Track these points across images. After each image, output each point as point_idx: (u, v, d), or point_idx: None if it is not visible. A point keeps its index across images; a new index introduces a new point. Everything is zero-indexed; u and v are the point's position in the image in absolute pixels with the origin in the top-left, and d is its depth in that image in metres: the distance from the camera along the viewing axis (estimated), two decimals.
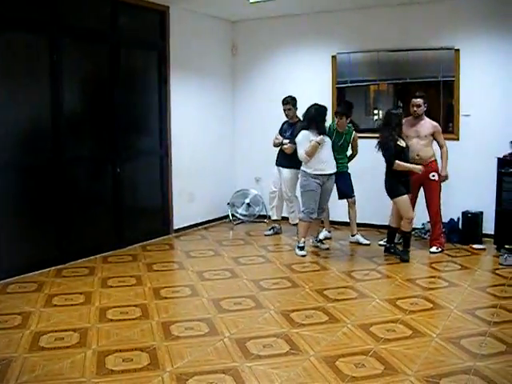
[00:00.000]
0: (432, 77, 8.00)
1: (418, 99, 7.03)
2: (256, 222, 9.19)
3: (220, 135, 9.30)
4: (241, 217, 9.27)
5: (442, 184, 7.11)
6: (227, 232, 8.71)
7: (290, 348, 4.21)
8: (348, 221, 7.76)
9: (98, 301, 5.34)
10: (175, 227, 8.41)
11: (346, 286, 5.81)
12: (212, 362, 3.97)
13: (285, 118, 8.02)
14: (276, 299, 5.38)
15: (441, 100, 7.83)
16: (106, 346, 4.25)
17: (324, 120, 7.07)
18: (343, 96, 8.64)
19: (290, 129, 7.82)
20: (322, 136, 6.87)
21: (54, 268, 6.44)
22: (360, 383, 3.62)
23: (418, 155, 7.00)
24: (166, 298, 5.46)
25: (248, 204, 9.29)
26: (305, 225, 7.10)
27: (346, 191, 7.51)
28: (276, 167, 8.08)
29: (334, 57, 8.62)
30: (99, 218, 7.15)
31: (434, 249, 7.12)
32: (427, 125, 7.06)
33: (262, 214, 9.25)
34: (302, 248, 7.10)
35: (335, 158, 7.13)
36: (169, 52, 8.09)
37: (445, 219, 7.49)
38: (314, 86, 8.66)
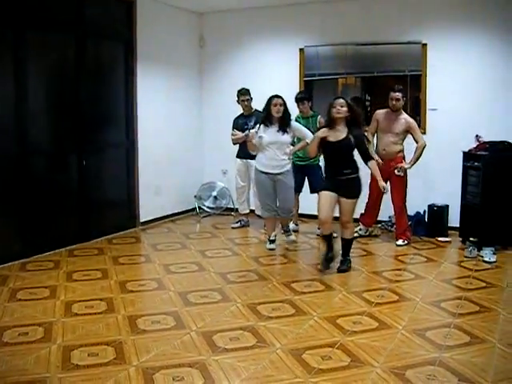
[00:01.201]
0: (399, 71, 8.07)
1: (397, 93, 7.04)
2: (223, 214, 9.17)
3: (187, 127, 9.25)
4: (208, 210, 9.24)
5: (407, 181, 7.21)
6: (194, 225, 8.68)
7: (256, 341, 4.20)
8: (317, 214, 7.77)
9: (64, 295, 5.26)
10: (142, 220, 8.35)
11: (313, 279, 5.81)
12: (179, 356, 3.94)
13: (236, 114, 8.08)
14: (243, 292, 5.37)
15: (408, 94, 7.88)
16: (72, 341, 4.19)
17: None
18: (311, 89, 8.65)
19: (248, 120, 7.83)
20: (261, 135, 6.70)
21: (18, 262, 6.33)
22: (327, 375, 3.63)
23: (384, 149, 7.09)
24: (132, 291, 5.41)
25: (215, 197, 9.27)
26: (267, 220, 7.09)
27: (316, 186, 7.49)
28: (241, 160, 8.05)
29: (301, 50, 8.64)
30: (64, 210, 7.04)
31: (400, 241, 7.19)
32: (402, 122, 7.08)
33: (229, 206, 9.24)
34: (271, 241, 7.04)
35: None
36: (135, 43, 8.01)
37: (411, 212, 7.56)
38: (283, 79, 8.66)
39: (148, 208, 8.39)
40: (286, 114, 6.69)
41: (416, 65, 7.88)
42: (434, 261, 6.54)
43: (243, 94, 7.91)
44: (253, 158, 7.57)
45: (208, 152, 9.61)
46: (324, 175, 6.33)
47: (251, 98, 7.95)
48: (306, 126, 7.27)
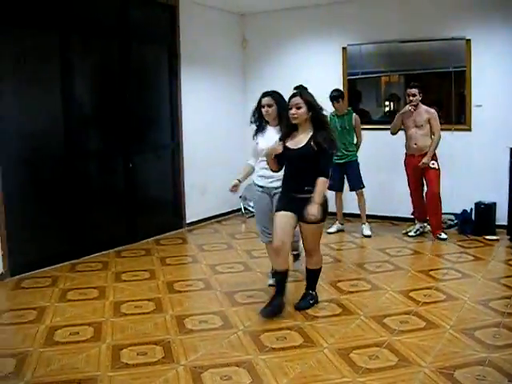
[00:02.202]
0: (443, 67, 7.96)
1: (413, 89, 7.12)
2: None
3: (231, 128, 9.29)
4: (253, 210, 9.26)
5: (440, 175, 7.15)
6: (240, 225, 8.73)
7: (303, 340, 4.22)
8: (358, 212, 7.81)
9: (112, 295, 5.37)
10: (188, 221, 8.43)
11: (359, 278, 5.80)
12: (226, 355, 3.99)
13: None
14: (289, 292, 5.38)
15: (452, 91, 7.79)
16: (121, 340, 4.28)
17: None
18: (354, 88, 8.63)
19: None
20: (257, 141, 5.38)
21: (67, 263, 6.48)
22: (374, 375, 3.62)
23: (415, 144, 7.13)
24: (179, 291, 5.48)
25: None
26: (266, 247, 5.51)
27: (354, 184, 7.54)
28: None
29: (344, 48, 8.60)
30: (112, 212, 7.18)
31: (443, 235, 7.21)
32: (422, 113, 7.13)
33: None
34: (273, 274, 5.25)
35: (342, 144, 7.27)
36: (179, 46, 8.11)
37: (458, 210, 7.49)
38: (326, 79, 8.62)
39: (194, 209, 8.47)
40: (282, 114, 5.00)
41: (460, 61, 7.76)
42: (482, 259, 6.45)
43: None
44: None
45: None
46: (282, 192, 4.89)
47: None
48: (341, 125, 7.34)
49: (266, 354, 3.97)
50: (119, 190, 7.30)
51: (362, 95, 8.83)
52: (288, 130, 4.74)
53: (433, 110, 7.15)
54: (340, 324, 4.54)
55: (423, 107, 7.15)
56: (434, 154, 7.12)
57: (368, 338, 4.24)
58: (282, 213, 4.71)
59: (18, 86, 6.00)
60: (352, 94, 8.66)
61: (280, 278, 4.78)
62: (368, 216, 7.80)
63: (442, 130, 7.13)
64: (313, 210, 4.46)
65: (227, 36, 9.27)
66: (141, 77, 7.61)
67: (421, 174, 7.18)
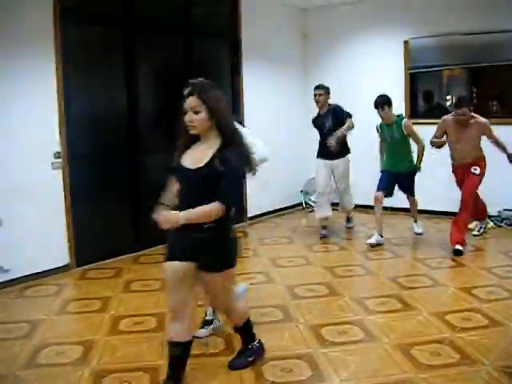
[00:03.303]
0: (509, 60, 7.77)
1: (462, 109, 6.29)
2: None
3: (293, 123, 9.32)
4: (314, 204, 9.28)
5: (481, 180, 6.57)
6: (301, 219, 8.77)
7: (364, 335, 4.24)
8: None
9: None
10: (249, 215, 8.52)
11: (420, 274, 5.77)
12: (287, 348, 4.04)
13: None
14: (349, 286, 5.41)
15: None
16: None
17: None
18: (416, 82, 8.52)
19: (325, 118, 7.28)
20: None
21: (131, 255, 6.67)
22: (436, 372, 3.61)
23: (463, 158, 6.55)
24: None
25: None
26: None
27: (406, 192, 7.14)
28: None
29: (406, 42, 8.50)
30: None
31: (459, 247, 6.45)
32: (474, 126, 6.39)
33: (334, 201, 9.24)
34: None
35: (395, 156, 6.88)
36: (240, 42, 8.18)
37: None
38: (386, 73, 8.58)
39: (255, 203, 8.54)
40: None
41: None
42: None
43: (315, 89, 7.31)
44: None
45: (313, 146, 9.62)
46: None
47: (326, 93, 7.24)
48: (390, 136, 6.84)
49: (327, 348, 4.01)
50: None
51: (433, 95, 8.74)
52: (185, 141, 3.57)
53: (485, 120, 6.42)
54: (401, 319, 4.54)
55: (473, 119, 6.37)
56: (482, 159, 6.57)
57: (429, 335, 4.22)
58: (174, 265, 3.36)
59: (82, 84, 6.19)
60: (418, 91, 8.57)
61: (178, 353, 3.42)
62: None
63: (508, 124, 6.87)
64: None
65: (288, 31, 9.29)
66: (203, 72, 7.57)
67: (462, 178, 6.63)
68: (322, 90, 7.17)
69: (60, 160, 5.94)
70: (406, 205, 7.42)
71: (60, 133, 5.93)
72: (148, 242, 6.88)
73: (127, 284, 5.65)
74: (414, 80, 8.57)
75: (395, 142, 6.86)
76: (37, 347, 4.17)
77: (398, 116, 6.89)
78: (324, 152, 7.29)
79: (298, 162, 9.45)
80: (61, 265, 6.04)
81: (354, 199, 7.81)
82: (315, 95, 7.22)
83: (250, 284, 5.55)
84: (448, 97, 8.64)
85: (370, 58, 8.84)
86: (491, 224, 7.35)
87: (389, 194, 7.01)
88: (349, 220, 8.01)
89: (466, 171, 6.50)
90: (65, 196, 6.03)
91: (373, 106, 6.78)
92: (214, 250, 3.32)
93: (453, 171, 6.76)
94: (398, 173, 6.91)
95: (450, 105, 8.37)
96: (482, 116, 6.48)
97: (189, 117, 3.43)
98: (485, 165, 6.51)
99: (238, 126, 3.64)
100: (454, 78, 8.50)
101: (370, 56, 8.84)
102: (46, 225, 5.86)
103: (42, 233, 5.82)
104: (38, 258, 5.80)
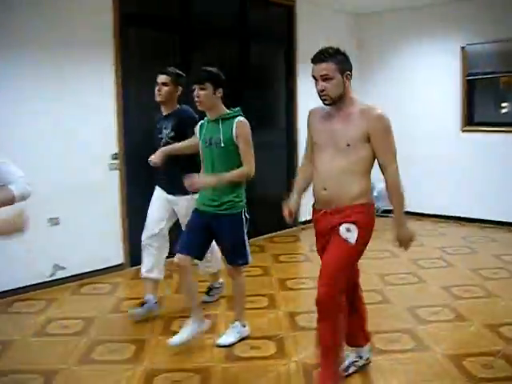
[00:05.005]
0: None
1: None
2: (381, 216, 9.10)
3: None
4: None
5: None
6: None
7: (415, 344, 4.21)
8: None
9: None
10: (301, 219, 8.51)
11: (473, 285, 5.67)
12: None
13: None
14: (397, 294, 5.37)
15: None
16: None
17: None
18: (473, 89, 8.39)
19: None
20: None
21: None
22: None
23: None
24: (291, 289, 5.60)
25: (375, 197, 9.22)
26: None
27: None
28: None
29: (463, 48, 8.38)
30: None
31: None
32: None
33: (386, 208, 9.17)
34: None
35: None
36: (296, 46, 8.20)
37: None
38: (442, 79, 8.48)
39: (307, 208, 8.49)
40: None
41: None
42: None
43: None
44: None
45: None
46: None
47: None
48: None
49: (377, 356, 3.99)
50: None
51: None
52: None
53: None
54: (453, 330, 4.49)
55: None
56: None
57: (482, 346, 4.16)
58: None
59: (138, 86, 6.30)
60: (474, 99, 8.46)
61: None
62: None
63: None
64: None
65: (342, 36, 9.23)
66: (259, 76, 7.77)
67: None
68: None
69: (117, 161, 6.08)
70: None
71: (118, 134, 6.07)
72: None
73: (179, 284, 5.70)
74: (471, 87, 8.43)
75: None
76: (91, 344, 4.28)
77: None
78: None
79: None
80: (115, 264, 6.18)
81: None
82: None
83: (301, 289, 5.58)
84: (504, 104, 8.48)
85: (425, 64, 8.70)
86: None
87: None
88: None
89: None
90: (121, 196, 6.16)
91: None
92: None
93: None
94: None
95: (505, 112, 8.22)
96: None
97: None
98: None
99: None
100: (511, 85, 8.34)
101: (425, 62, 8.70)
102: (102, 224, 6.01)
103: (98, 232, 5.96)
104: (94, 256, 5.94)
